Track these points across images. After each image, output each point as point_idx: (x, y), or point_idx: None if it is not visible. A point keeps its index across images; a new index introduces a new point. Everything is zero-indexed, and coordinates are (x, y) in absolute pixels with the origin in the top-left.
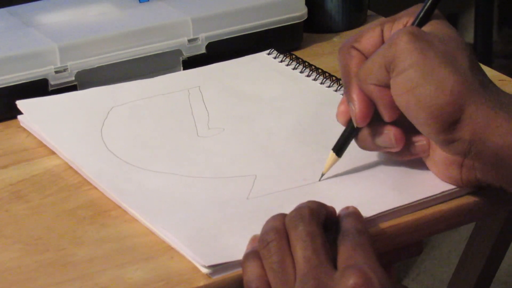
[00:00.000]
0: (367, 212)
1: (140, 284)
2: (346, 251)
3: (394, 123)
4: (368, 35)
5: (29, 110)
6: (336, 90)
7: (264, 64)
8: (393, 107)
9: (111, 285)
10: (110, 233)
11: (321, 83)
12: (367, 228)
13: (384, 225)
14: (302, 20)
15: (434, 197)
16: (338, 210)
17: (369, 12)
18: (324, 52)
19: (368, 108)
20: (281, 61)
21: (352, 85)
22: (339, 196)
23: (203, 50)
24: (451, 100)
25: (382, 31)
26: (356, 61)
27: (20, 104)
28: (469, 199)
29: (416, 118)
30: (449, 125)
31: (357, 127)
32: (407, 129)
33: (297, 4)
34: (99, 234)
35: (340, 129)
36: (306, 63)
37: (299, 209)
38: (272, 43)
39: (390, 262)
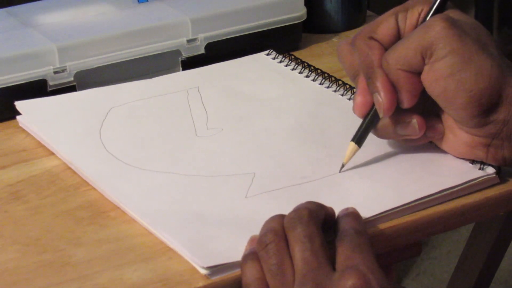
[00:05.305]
0: (366, 212)
1: (138, 285)
2: (344, 252)
3: (410, 110)
4: (383, 26)
5: (28, 111)
6: (335, 91)
7: (263, 64)
8: (415, 93)
9: (110, 285)
10: (109, 233)
11: (320, 84)
12: (366, 229)
13: (383, 225)
14: (301, 20)
15: (433, 196)
16: (336, 210)
17: (369, 12)
18: (323, 52)
19: (394, 98)
20: (280, 62)
21: (377, 75)
22: (337, 196)
23: (202, 51)
24: (491, 85)
25: (396, 20)
26: (377, 51)
27: (19, 104)
28: (468, 200)
29: (453, 103)
30: (487, 108)
31: (374, 117)
32: (421, 114)
33: (296, 4)
34: (97, 235)
35: (338, 129)
36: (305, 64)
37: (297, 210)
38: (271, 44)
39: (389, 263)
